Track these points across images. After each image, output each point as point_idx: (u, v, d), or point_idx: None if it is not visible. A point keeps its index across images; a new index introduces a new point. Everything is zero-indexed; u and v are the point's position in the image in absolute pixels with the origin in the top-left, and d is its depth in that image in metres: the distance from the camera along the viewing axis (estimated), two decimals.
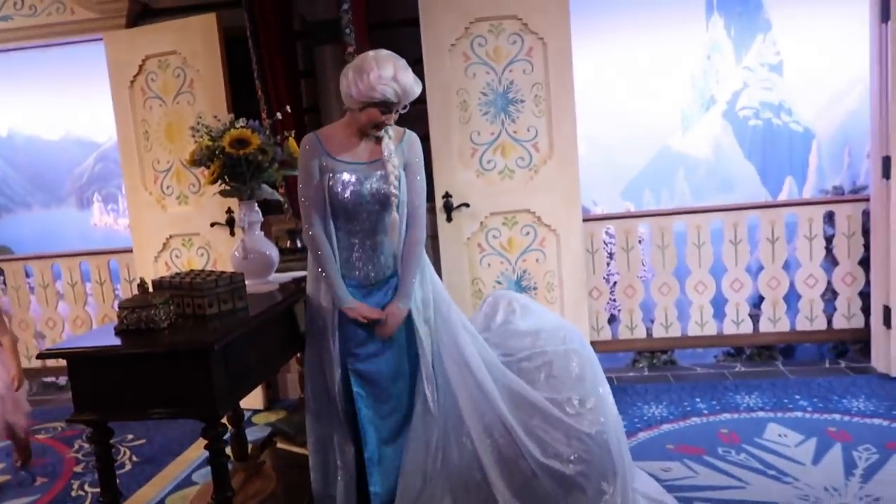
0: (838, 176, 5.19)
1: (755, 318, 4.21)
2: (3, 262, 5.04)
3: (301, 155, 2.31)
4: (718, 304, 4.21)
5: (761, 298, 4.19)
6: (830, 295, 4.18)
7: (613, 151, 5.47)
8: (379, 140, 2.30)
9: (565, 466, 2.25)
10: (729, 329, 4.22)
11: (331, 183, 2.25)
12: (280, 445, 3.17)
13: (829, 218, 4.14)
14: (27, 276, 4.90)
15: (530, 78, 3.68)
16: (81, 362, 1.91)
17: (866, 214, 3.97)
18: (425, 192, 2.41)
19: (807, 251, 4.11)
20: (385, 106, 2.19)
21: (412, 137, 2.40)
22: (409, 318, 2.38)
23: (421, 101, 3.65)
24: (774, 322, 4.16)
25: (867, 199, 3.95)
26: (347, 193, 2.25)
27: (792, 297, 4.17)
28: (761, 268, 4.17)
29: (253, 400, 4.00)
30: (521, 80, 3.69)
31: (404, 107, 2.26)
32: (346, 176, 2.26)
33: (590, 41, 4.77)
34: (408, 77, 2.19)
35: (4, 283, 4.91)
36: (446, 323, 2.43)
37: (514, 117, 3.73)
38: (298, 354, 3.04)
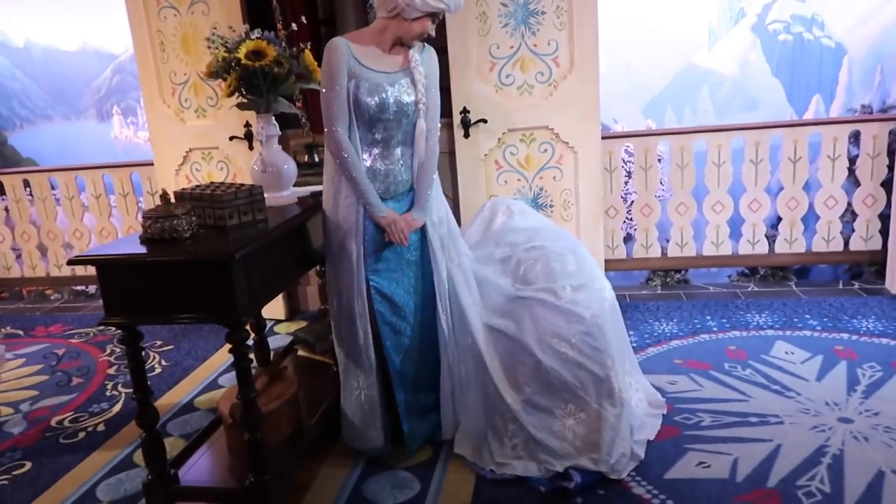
0: (868, 94, 5.04)
1: (771, 239, 4.21)
2: (29, 174, 5.13)
3: (329, 58, 2.28)
4: (735, 224, 4.21)
5: (779, 219, 4.17)
6: (850, 216, 4.16)
7: (636, 67, 5.33)
8: (407, 50, 2.35)
9: (568, 347, 2.38)
10: (744, 249, 4.23)
11: (356, 90, 2.27)
12: (301, 353, 3.31)
13: (855, 138, 4.05)
14: (53, 188, 5.00)
15: None
16: (109, 269, 1.99)
17: (894, 134, 3.88)
18: (440, 106, 2.45)
19: (829, 172, 4.05)
20: (437, 15, 2.27)
21: (431, 50, 2.45)
22: (424, 235, 2.45)
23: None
24: (791, 243, 4.16)
25: (895, 119, 3.85)
26: (374, 101, 2.27)
27: (810, 219, 4.15)
28: (781, 188, 4.13)
29: (275, 310, 4.14)
30: None
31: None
32: (373, 83, 2.28)
33: None
34: None
35: (31, 194, 5.02)
36: (455, 241, 2.54)
37: (535, 30, 3.63)
38: (318, 267, 3.13)
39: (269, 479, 2.11)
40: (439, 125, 2.47)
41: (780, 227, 4.18)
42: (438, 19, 2.32)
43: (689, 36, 5.24)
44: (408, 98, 2.33)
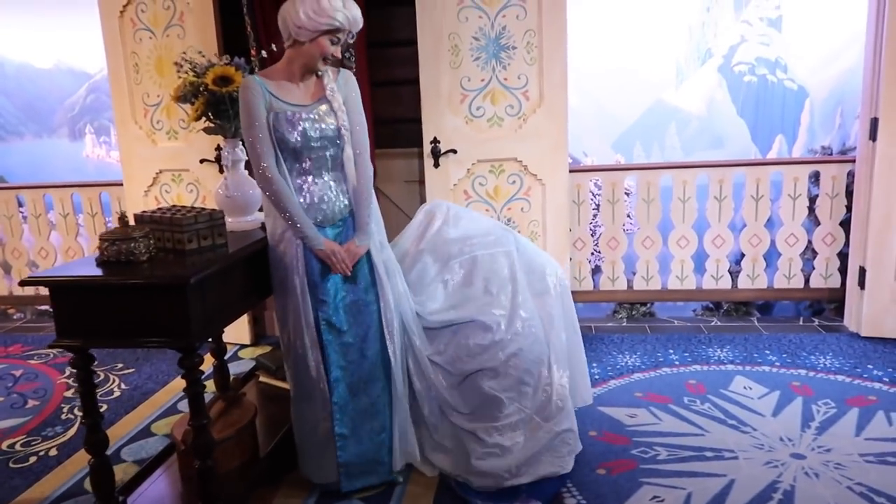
0: (829, 136, 5.21)
1: (735, 275, 4.29)
2: None
3: (245, 98, 2.27)
4: (700, 259, 4.29)
5: (742, 255, 4.26)
6: (810, 254, 4.25)
7: (606, 103, 5.46)
8: (319, 78, 2.37)
9: (500, 359, 2.43)
10: (708, 284, 4.30)
11: (276, 124, 2.27)
12: (262, 379, 3.28)
13: (815, 178, 4.17)
14: (20, 205, 4.95)
15: (523, 24, 3.64)
16: (62, 291, 1.97)
17: (851, 176, 3.99)
18: (366, 128, 2.45)
19: (790, 210, 4.15)
20: (334, 35, 2.26)
21: (347, 73, 2.45)
22: (368, 260, 2.45)
23: (411, 43, 3.67)
24: (753, 279, 4.24)
25: (854, 161, 3.97)
26: (296, 133, 2.28)
27: (772, 255, 4.24)
28: (744, 225, 4.22)
29: (240, 335, 4.10)
30: (514, 25, 3.65)
31: (346, 50, 2.32)
32: (292, 116, 2.29)
33: None
34: (355, 6, 2.29)
35: None
36: (392, 263, 2.56)
37: (506, 64, 3.71)
38: None
39: None
40: (367, 148, 2.45)
41: (742, 262, 4.26)
42: (339, 40, 2.28)
43: (659, 75, 5.39)
44: (329, 126, 2.33)
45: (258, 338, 4.24)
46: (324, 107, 2.34)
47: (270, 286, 2.52)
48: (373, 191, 2.48)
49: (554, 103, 3.70)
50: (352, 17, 2.26)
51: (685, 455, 2.65)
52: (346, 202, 2.43)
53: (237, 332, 4.05)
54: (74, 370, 3.68)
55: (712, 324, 4.22)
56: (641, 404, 3.11)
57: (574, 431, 2.54)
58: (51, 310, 5.23)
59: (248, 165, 2.82)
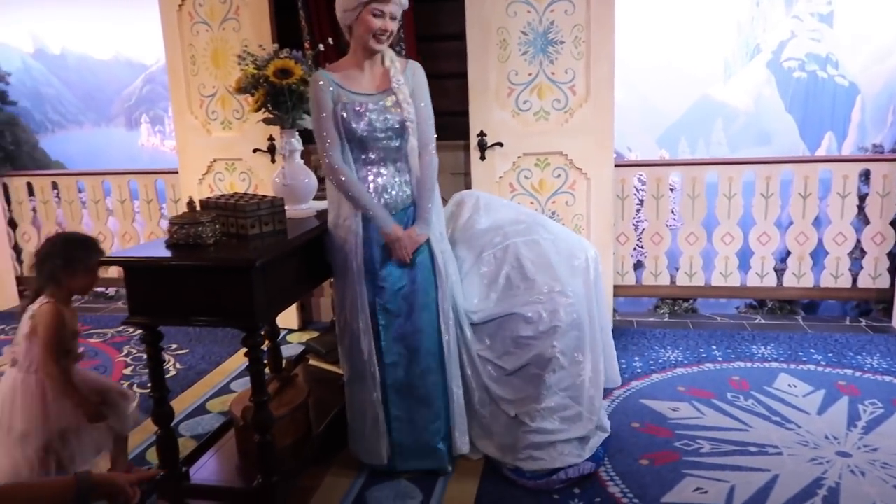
0: (880, 134, 5.08)
1: (780, 273, 4.25)
2: (57, 177, 5.29)
3: (314, 90, 2.35)
4: (744, 256, 4.26)
5: (788, 253, 4.22)
6: (858, 253, 4.20)
7: (652, 98, 5.41)
8: (386, 70, 2.40)
9: (545, 349, 2.48)
10: (753, 282, 4.27)
11: (344, 114, 2.33)
12: (312, 362, 3.39)
13: (865, 176, 4.11)
14: (80, 191, 5.15)
15: (571, 19, 3.67)
16: (136, 271, 2.09)
17: None
18: (433, 119, 2.48)
19: (838, 208, 4.10)
20: (375, 6, 2.26)
21: (415, 65, 2.48)
22: (428, 250, 2.49)
23: (460, 37, 3.73)
24: (799, 277, 4.20)
25: None
26: (362, 124, 2.33)
27: (819, 254, 4.19)
28: (791, 223, 4.18)
29: (288, 320, 4.23)
30: (563, 20, 3.68)
31: (397, 43, 2.34)
32: (358, 107, 2.34)
33: None
34: None
35: (59, 196, 5.17)
36: (449, 255, 2.62)
37: (553, 58, 3.74)
38: (331, 279, 3.22)
39: (277, 480, 2.18)
40: (434, 139, 2.48)
41: (788, 261, 4.23)
42: (382, 12, 2.27)
43: (706, 70, 5.32)
44: (394, 117, 2.36)
45: (305, 323, 4.36)
46: (390, 98, 2.37)
47: (323, 273, 2.62)
48: (437, 182, 2.52)
49: (600, 98, 3.72)
50: None
51: (728, 449, 2.67)
52: (409, 193, 2.47)
53: (286, 317, 4.17)
54: (134, 349, 3.86)
55: (756, 321, 4.20)
56: (684, 398, 3.13)
57: (602, 414, 2.64)
58: (106, 292, 5.44)
59: (304, 155, 2.93)
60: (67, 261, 2.25)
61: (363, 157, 2.40)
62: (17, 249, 5.27)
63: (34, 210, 5.26)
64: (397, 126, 2.38)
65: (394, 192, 2.44)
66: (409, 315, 2.46)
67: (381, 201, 2.41)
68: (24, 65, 6.22)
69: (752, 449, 2.67)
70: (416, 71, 2.46)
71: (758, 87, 5.37)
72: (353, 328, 2.47)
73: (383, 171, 2.43)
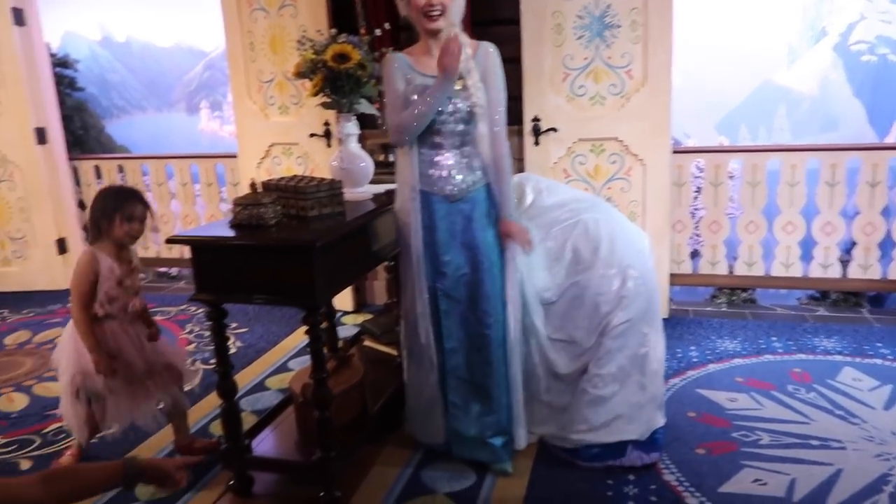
0: None
1: (845, 264, 4.11)
2: (123, 161, 5.49)
3: (387, 72, 2.35)
4: (807, 246, 4.13)
5: (853, 243, 4.07)
6: None
7: (712, 84, 5.29)
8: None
9: (616, 323, 2.47)
10: (815, 272, 4.14)
11: (414, 97, 2.31)
12: (367, 343, 3.45)
13: None
14: (144, 174, 5.33)
15: (629, 2, 3.60)
16: (203, 249, 2.16)
17: None
18: (505, 104, 2.42)
19: None
20: None
21: (488, 47, 2.41)
22: (495, 238, 2.45)
23: (514, 21, 3.70)
24: (865, 269, 4.05)
25: None
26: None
27: (887, 245, 4.03)
28: (857, 212, 4.03)
29: (343, 302, 4.30)
30: (619, 4, 3.61)
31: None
32: (427, 90, 2.30)
33: None
34: None
35: (124, 179, 5.36)
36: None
37: (610, 43, 3.68)
38: (386, 262, 3.26)
39: (335, 456, 2.24)
40: (504, 125, 2.42)
41: (854, 251, 4.08)
42: None
43: (768, 54, 5.16)
44: (463, 103, 2.33)
45: (360, 306, 4.43)
46: (459, 82, 2.32)
47: (378, 256, 2.64)
48: (510, 167, 2.45)
49: (658, 83, 3.65)
50: None
51: (789, 441, 2.61)
52: (476, 178, 2.42)
53: (340, 299, 4.24)
54: (196, 326, 3.99)
55: (818, 313, 4.07)
56: (742, 389, 3.07)
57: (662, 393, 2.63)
58: (169, 272, 5.63)
59: (360, 139, 2.96)
60: (105, 210, 2.42)
61: (430, 139, 2.39)
62: (86, 230, 5.48)
63: None
64: (466, 110, 2.34)
65: (460, 178, 2.41)
66: (473, 303, 2.43)
67: (447, 185, 2.40)
68: (91, 52, 6.48)
69: (814, 442, 2.60)
70: (489, 54, 2.39)
71: (824, 71, 5.19)
72: (412, 311, 2.47)
73: (450, 155, 2.40)
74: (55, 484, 1.25)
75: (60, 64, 6.17)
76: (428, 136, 2.38)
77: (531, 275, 2.59)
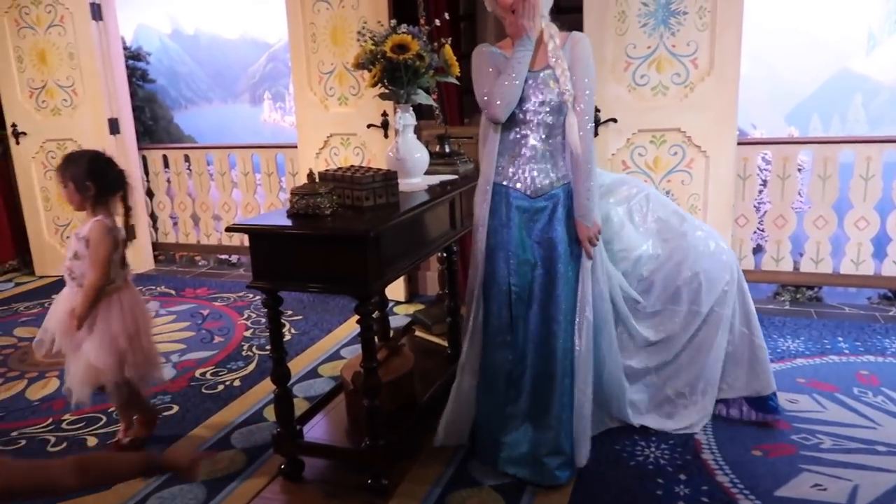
0: None
1: None
2: (189, 150, 5.68)
3: (478, 58, 2.34)
4: (880, 243, 3.94)
5: None
6: None
7: (782, 71, 5.07)
8: (545, 45, 2.29)
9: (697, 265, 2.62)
10: (888, 271, 3.94)
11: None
12: (418, 333, 3.48)
13: None
14: (208, 164, 5.51)
15: None
16: (260, 238, 2.21)
17: None
18: (593, 97, 2.32)
19: None
20: None
21: (577, 38, 2.32)
22: (568, 241, 2.35)
23: (577, 9, 3.64)
24: None
25: None
26: (521, 100, 2.28)
27: None
28: None
29: (395, 292, 4.35)
30: None
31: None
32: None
33: None
34: None
35: (190, 168, 5.55)
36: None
37: (675, 30, 3.58)
38: (439, 254, 3.28)
39: (384, 444, 2.27)
40: (591, 115, 2.32)
41: None
42: None
43: (845, 40, 4.90)
44: (551, 93, 2.27)
45: (412, 296, 4.47)
46: (547, 72, 2.28)
47: (431, 247, 2.65)
48: (592, 163, 2.32)
49: (724, 72, 3.53)
50: None
51: (852, 447, 2.51)
52: (560, 174, 2.35)
53: (393, 289, 4.29)
54: (254, 313, 4.11)
55: (890, 314, 3.87)
56: (804, 390, 2.96)
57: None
58: (230, 259, 5.80)
59: (417, 130, 2.97)
60: (115, 183, 2.60)
61: (516, 131, 2.34)
62: (153, 217, 5.71)
63: (168, 181, 5.67)
64: (555, 101, 2.27)
65: (545, 173, 2.34)
66: (543, 307, 2.35)
67: (532, 181, 2.34)
68: (161, 45, 6.70)
69: (881, 448, 2.49)
70: (578, 42, 2.31)
71: None
72: (473, 308, 2.44)
73: (537, 148, 2.33)
74: (89, 471, 1.35)
75: (133, 57, 6.43)
76: (513, 126, 2.34)
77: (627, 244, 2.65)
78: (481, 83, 2.32)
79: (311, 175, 2.30)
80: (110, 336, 2.50)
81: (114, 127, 5.12)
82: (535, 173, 2.35)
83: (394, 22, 2.74)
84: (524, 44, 2.26)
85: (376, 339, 2.79)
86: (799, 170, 4.08)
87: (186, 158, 5.60)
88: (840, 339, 3.50)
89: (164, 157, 5.63)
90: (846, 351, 3.35)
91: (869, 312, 3.93)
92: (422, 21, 3.83)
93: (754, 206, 4.12)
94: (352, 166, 2.51)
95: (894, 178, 3.84)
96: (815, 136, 4.68)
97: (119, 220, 2.63)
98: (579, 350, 2.36)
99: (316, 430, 2.52)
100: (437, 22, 2.88)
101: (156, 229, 5.71)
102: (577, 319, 2.36)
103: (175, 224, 5.70)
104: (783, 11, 4.76)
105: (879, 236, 3.92)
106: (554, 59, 2.27)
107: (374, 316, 2.23)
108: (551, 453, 2.36)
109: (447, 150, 3.48)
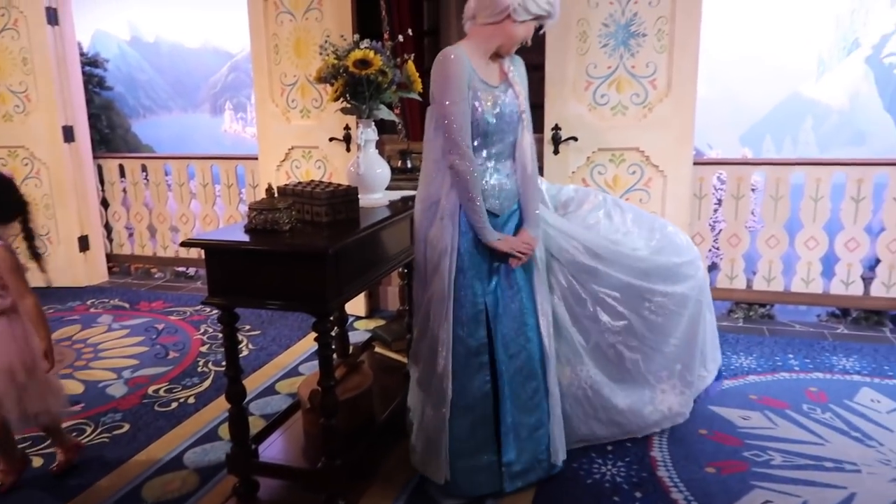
0: None
1: (868, 281, 4.03)
2: (147, 160, 5.57)
3: (448, 70, 2.14)
4: (829, 262, 4.06)
5: (878, 261, 4.00)
6: None
7: (737, 93, 5.21)
8: (500, 61, 2.29)
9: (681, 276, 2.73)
10: (837, 289, 4.07)
11: (476, 104, 2.19)
12: (378, 350, 3.45)
13: None
14: (166, 174, 5.41)
15: (655, 11, 3.57)
16: (216, 253, 2.17)
17: None
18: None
19: None
20: (540, 21, 2.21)
21: (518, 58, 2.38)
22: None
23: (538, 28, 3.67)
24: (888, 287, 3.97)
25: None
26: (493, 114, 2.22)
27: None
28: (883, 229, 3.95)
29: (356, 307, 4.31)
30: (646, 12, 3.59)
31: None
32: (487, 97, 2.21)
33: None
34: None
35: (147, 178, 5.44)
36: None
37: (634, 52, 3.65)
38: (400, 269, 3.26)
39: (341, 463, 2.24)
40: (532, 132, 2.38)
41: (878, 269, 4.00)
42: (540, 28, 2.25)
43: (797, 65, 5.07)
44: (513, 110, 2.27)
45: (373, 311, 4.45)
46: (509, 89, 2.27)
47: (392, 262, 2.64)
48: (538, 176, 2.42)
49: (682, 93, 3.62)
50: (558, 8, 2.22)
51: (802, 463, 2.57)
52: (517, 191, 2.36)
53: (354, 304, 4.26)
54: (211, 328, 4.02)
55: (838, 331, 3.99)
56: (756, 407, 3.02)
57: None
58: (187, 272, 5.68)
59: (379, 145, 2.97)
60: (14, 207, 2.42)
61: (485, 151, 2.27)
62: (107, 228, 5.57)
63: (124, 191, 5.54)
64: (515, 119, 2.28)
65: (507, 191, 2.33)
66: (514, 320, 2.36)
67: (496, 199, 2.30)
68: (120, 51, 6.57)
69: (828, 464, 2.55)
70: (521, 65, 2.37)
71: (854, 83, 5.08)
72: (434, 338, 2.30)
73: (500, 166, 2.31)
74: None
75: (90, 63, 6.29)
76: (483, 147, 2.26)
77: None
78: (455, 112, 2.16)
79: (269, 190, 2.27)
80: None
81: (68, 134, 4.99)
82: (503, 191, 2.33)
83: (357, 36, 2.74)
84: (493, 236, 2.26)
85: (335, 356, 2.77)
86: (752, 190, 4.19)
87: (144, 168, 5.49)
88: (791, 356, 3.59)
89: (121, 167, 5.51)
90: (796, 368, 3.44)
91: (818, 330, 4.05)
92: (385, 36, 3.84)
93: (710, 225, 4.22)
94: (312, 181, 2.49)
95: (842, 200, 3.97)
96: (768, 158, 4.83)
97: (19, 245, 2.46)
98: (549, 354, 2.42)
99: (272, 450, 2.47)
100: (401, 38, 2.88)
101: (110, 240, 5.57)
102: (539, 322, 2.41)
103: (131, 235, 5.57)
104: (740, 38, 4.90)
105: (828, 255, 4.05)
106: (512, 76, 2.30)
107: (332, 333, 2.20)
108: (546, 449, 2.45)
109: (409, 165, 3.49)
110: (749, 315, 4.49)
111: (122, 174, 5.51)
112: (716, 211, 4.36)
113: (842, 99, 5.12)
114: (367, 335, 3.85)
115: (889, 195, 3.90)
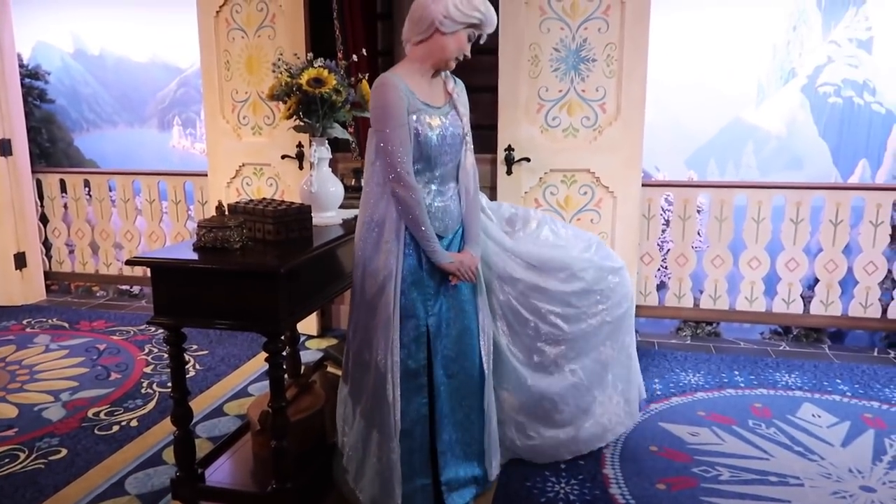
0: None
1: (807, 300, 4.18)
2: (90, 175, 5.39)
3: (386, 97, 2.12)
4: (771, 281, 4.20)
5: (816, 280, 4.15)
6: (890, 284, 4.12)
7: (683, 118, 5.39)
8: (444, 82, 2.31)
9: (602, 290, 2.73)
10: (778, 307, 4.21)
11: (419, 127, 2.16)
12: (330, 369, 3.40)
13: None
14: (110, 189, 5.24)
15: (605, 37, 3.67)
16: (163, 272, 2.12)
17: None
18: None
19: (870, 237, 4.03)
20: (474, 30, 2.18)
21: (460, 81, 2.38)
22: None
23: (492, 51, 3.73)
24: (826, 305, 4.13)
25: None
26: (435, 138, 2.19)
27: (848, 282, 4.12)
28: (820, 249, 4.12)
29: (307, 326, 4.25)
30: (596, 38, 3.68)
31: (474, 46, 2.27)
32: (430, 119, 2.20)
33: (670, 3, 4.67)
34: (492, 8, 2.20)
35: (90, 194, 5.27)
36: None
37: (584, 76, 3.73)
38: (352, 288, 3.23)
39: (291, 487, 2.19)
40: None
41: (816, 288, 4.16)
42: (472, 38, 2.21)
43: (738, 93, 5.28)
44: (457, 132, 2.27)
45: (325, 330, 4.38)
46: (452, 111, 2.28)
47: (344, 281, 2.61)
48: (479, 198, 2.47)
49: (630, 117, 3.71)
50: (491, 16, 2.18)
51: (748, 478, 2.63)
52: (460, 212, 2.37)
53: (305, 323, 4.19)
54: (155, 347, 3.90)
55: (780, 348, 4.13)
56: (704, 423, 3.09)
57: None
58: (131, 290, 5.51)
59: (332, 163, 2.95)
60: None
61: (428, 174, 2.25)
62: (46, 245, 5.37)
63: (65, 207, 5.35)
64: (459, 141, 2.29)
65: (452, 212, 2.33)
66: (457, 339, 2.37)
67: (441, 221, 2.28)
68: (63, 64, 6.38)
69: (773, 478, 2.62)
70: (463, 87, 2.38)
71: (791, 111, 5.32)
72: (380, 366, 2.22)
73: (443, 188, 2.30)
74: None
75: (31, 75, 6.08)
76: (427, 170, 2.24)
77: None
78: (390, 142, 2.13)
79: (220, 207, 2.23)
80: None
81: (5, 148, 4.80)
82: (448, 213, 2.32)
83: (311, 55, 2.73)
84: (445, 257, 2.26)
85: (286, 376, 2.71)
86: (698, 211, 4.31)
87: (87, 183, 5.31)
88: (736, 372, 3.68)
89: (62, 182, 5.32)
90: (741, 384, 3.53)
91: (762, 347, 4.17)
92: (339, 55, 3.83)
93: (658, 245, 4.32)
94: (263, 199, 2.45)
95: (782, 221, 4.13)
96: (713, 181, 4.99)
97: None
98: (487, 372, 2.45)
99: (219, 474, 2.40)
100: (355, 57, 2.89)
101: (49, 257, 5.36)
102: (480, 339, 2.44)
103: (71, 252, 5.37)
104: (685, 67, 5.09)
105: (770, 275, 4.19)
106: (456, 97, 2.31)
107: (284, 353, 2.16)
108: (481, 463, 2.50)
109: (362, 183, 3.47)
110: (696, 333, 4.61)
111: (64, 189, 5.32)
112: (664, 231, 4.47)
113: (780, 125, 5.35)
114: (319, 354, 3.79)
115: (825, 217, 4.07)
